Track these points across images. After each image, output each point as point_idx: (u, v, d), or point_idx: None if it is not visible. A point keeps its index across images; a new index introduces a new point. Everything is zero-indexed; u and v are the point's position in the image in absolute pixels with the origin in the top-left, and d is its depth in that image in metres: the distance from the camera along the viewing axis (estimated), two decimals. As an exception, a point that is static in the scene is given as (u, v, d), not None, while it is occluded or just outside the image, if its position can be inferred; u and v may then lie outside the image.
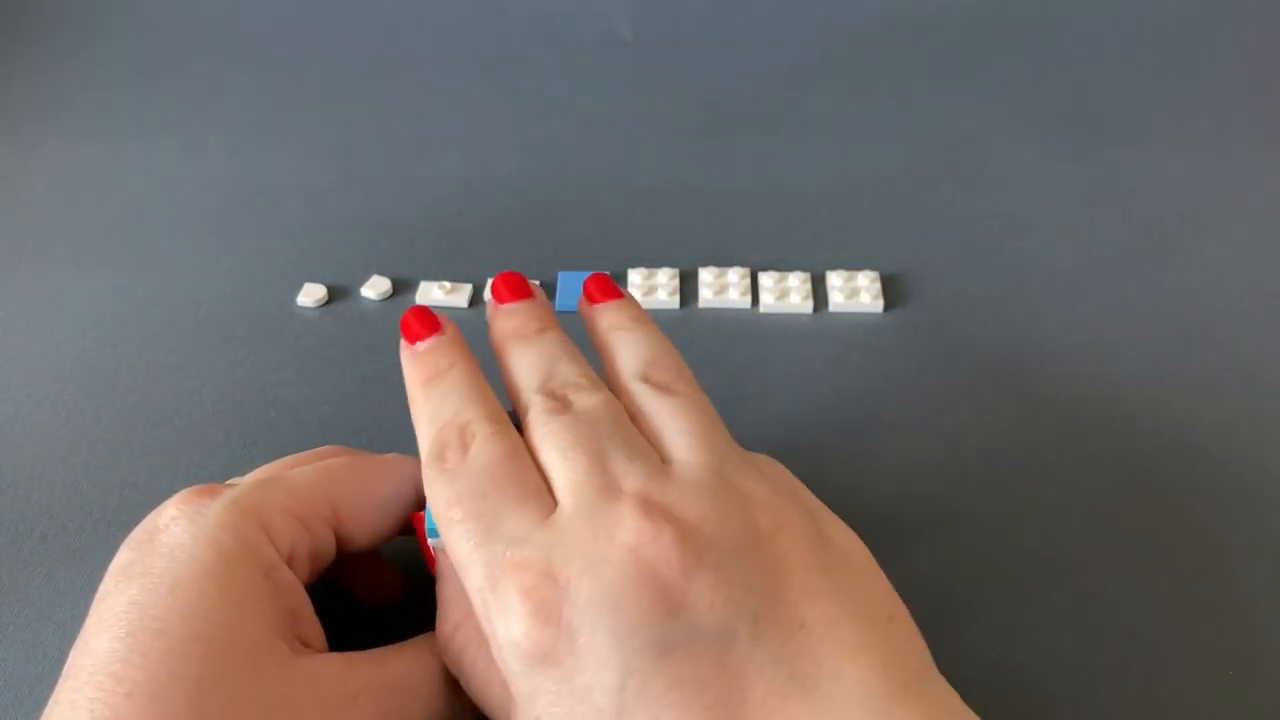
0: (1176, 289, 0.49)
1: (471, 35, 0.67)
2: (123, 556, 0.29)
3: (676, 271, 0.49)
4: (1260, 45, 0.66)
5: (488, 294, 0.34)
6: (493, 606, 0.26)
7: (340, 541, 0.31)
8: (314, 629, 0.30)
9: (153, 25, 0.68)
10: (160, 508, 0.30)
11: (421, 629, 0.32)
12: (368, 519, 0.31)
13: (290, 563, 0.30)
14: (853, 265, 0.50)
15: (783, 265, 0.50)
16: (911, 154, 0.58)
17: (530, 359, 0.31)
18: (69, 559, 0.37)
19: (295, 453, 0.34)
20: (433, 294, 0.48)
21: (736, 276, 0.49)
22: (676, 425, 0.29)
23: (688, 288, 0.49)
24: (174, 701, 0.25)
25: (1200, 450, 0.41)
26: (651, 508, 0.26)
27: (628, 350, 0.32)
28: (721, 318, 0.48)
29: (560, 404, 0.29)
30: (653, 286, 0.48)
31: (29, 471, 0.41)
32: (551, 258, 0.51)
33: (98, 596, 0.28)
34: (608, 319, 0.33)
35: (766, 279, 0.49)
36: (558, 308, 0.48)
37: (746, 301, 0.48)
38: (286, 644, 0.28)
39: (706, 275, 0.49)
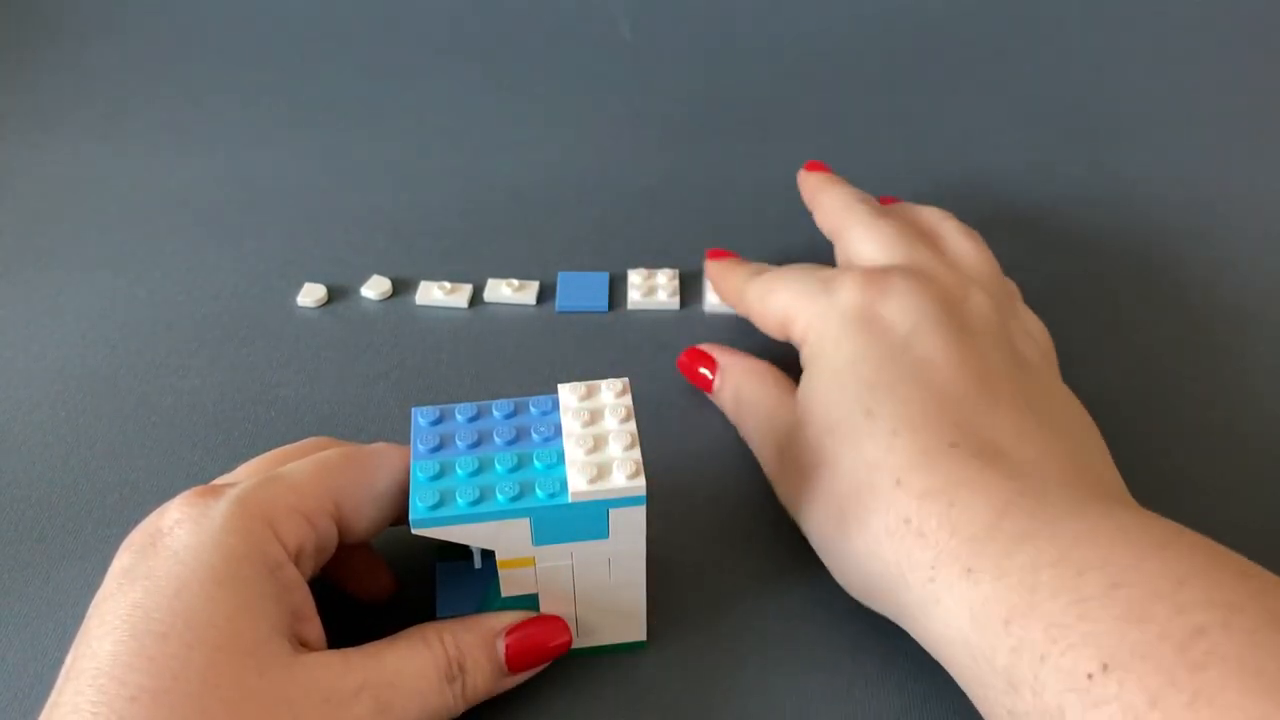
0: (1176, 289, 0.49)
1: (471, 36, 0.67)
2: (125, 559, 0.29)
3: (676, 271, 0.49)
4: (1261, 43, 0.66)
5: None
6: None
7: (340, 534, 0.31)
8: (315, 628, 0.30)
9: (152, 26, 0.68)
10: (162, 510, 0.30)
11: (414, 621, 0.32)
12: (367, 511, 0.32)
13: (296, 560, 0.30)
14: (853, 265, 0.50)
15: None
16: (911, 153, 0.58)
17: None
18: (69, 559, 0.37)
19: (288, 449, 0.34)
20: (433, 294, 0.48)
21: (736, 276, 0.49)
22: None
23: (687, 288, 0.49)
24: (177, 705, 0.26)
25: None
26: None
27: None
28: (721, 318, 0.48)
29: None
30: (653, 287, 0.48)
31: (29, 471, 0.41)
32: (551, 258, 0.51)
33: (99, 598, 0.28)
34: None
35: (766, 279, 0.49)
36: (558, 308, 0.48)
37: (746, 301, 0.48)
38: (288, 643, 0.28)
39: (706, 275, 0.49)
